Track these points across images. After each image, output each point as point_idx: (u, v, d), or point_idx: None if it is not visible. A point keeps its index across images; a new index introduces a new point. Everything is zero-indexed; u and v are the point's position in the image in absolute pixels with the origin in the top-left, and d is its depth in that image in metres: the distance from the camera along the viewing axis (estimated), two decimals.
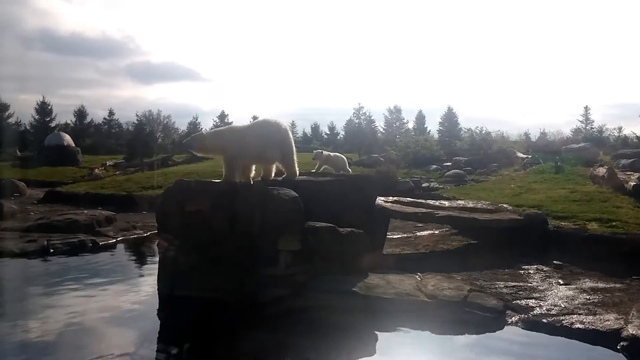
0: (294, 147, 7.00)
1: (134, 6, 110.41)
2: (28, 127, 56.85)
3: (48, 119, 56.99)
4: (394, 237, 10.01)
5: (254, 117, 71.08)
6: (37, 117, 56.71)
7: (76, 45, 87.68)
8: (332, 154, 11.41)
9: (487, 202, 10.53)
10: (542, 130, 46.43)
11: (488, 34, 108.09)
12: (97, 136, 57.80)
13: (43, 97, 57.02)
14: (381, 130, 62.63)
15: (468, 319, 5.22)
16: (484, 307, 5.36)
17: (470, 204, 10.12)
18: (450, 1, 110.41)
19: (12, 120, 54.17)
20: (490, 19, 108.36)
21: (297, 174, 7.13)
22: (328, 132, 72.73)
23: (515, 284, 6.47)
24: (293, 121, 76.79)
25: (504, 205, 9.97)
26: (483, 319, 5.21)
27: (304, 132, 75.28)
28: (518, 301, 5.79)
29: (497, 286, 6.33)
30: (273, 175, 7.03)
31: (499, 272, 7.07)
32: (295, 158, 7.03)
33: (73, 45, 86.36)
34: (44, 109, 56.89)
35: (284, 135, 6.82)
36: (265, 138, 6.58)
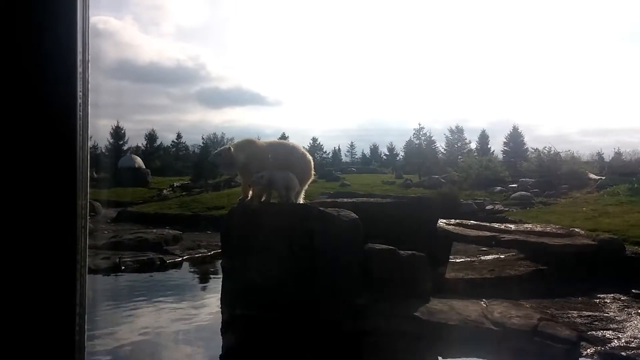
0: (305, 178, 6.44)
1: (206, 36, 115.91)
2: (103, 150, 60.38)
3: (121, 142, 60.25)
4: (457, 260, 9.74)
5: (313, 139, 72.47)
6: (111, 140, 60.12)
7: (151, 74, 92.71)
8: None
9: (557, 226, 10.06)
10: (616, 150, 43.94)
11: (554, 52, 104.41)
12: (165, 158, 60.45)
13: (117, 122, 60.47)
14: (442, 150, 61.52)
15: (538, 349, 4.97)
16: (556, 338, 5.08)
17: (539, 228, 9.70)
18: (514, 18, 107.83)
19: (89, 144, 57.72)
20: (556, 38, 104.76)
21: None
22: (387, 153, 72.50)
23: (590, 313, 6.10)
24: (352, 142, 77.42)
25: (576, 230, 9.49)
26: (555, 350, 4.94)
27: (362, 153, 75.56)
28: (593, 332, 5.45)
29: (570, 315, 6.00)
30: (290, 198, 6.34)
31: (571, 301, 6.70)
32: (302, 189, 6.45)
33: (149, 73, 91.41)
34: (118, 133, 60.24)
35: (299, 161, 6.41)
36: (283, 160, 6.24)
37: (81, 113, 0.95)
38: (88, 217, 0.99)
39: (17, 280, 0.92)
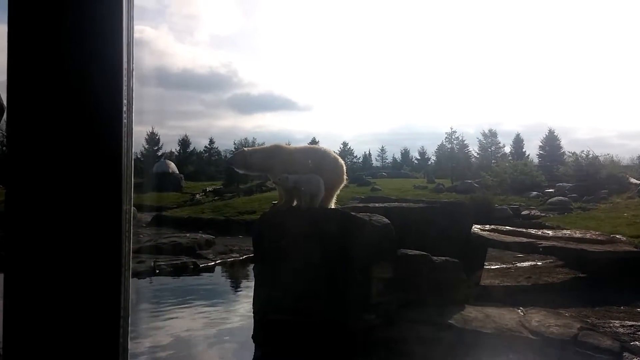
0: (337, 183, 6.42)
1: (239, 43, 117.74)
2: (139, 156, 61.70)
3: (156, 148, 61.47)
4: (492, 267, 9.55)
5: (344, 144, 72.44)
6: (146, 146, 61.42)
7: (185, 81, 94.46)
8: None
9: (596, 232, 9.76)
10: None
11: (591, 52, 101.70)
12: (198, 163, 61.47)
13: (152, 128, 61.73)
14: (475, 154, 60.58)
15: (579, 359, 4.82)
16: (598, 348, 4.91)
17: (578, 234, 9.42)
18: (549, 18, 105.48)
19: None
20: (592, 39, 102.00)
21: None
22: (418, 158, 71.90)
23: (634, 323, 5.86)
24: (383, 147, 77.11)
25: (617, 236, 9.18)
26: None
27: (393, 157, 75.15)
28: (637, 342, 5.24)
29: (611, 325, 5.79)
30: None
31: (613, 309, 6.47)
32: (334, 194, 6.45)
33: (182, 80, 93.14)
34: (152, 139, 61.52)
35: (331, 165, 6.37)
36: (315, 165, 6.21)
37: (126, 120, 0.97)
38: (132, 222, 1.01)
39: (66, 284, 0.95)
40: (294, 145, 7.06)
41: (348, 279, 5.87)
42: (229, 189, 29.63)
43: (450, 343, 5.22)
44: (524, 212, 18.20)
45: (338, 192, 6.58)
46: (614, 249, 8.19)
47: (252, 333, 5.98)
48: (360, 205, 8.64)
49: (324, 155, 6.53)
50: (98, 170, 0.95)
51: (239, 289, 9.17)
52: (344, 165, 6.54)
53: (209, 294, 8.36)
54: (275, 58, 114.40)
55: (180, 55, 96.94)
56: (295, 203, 6.37)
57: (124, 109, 0.96)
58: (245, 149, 6.75)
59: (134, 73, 0.99)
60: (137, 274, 9.27)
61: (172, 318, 6.69)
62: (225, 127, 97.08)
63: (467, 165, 47.31)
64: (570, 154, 31.66)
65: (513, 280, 8.50)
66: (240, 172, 6.90)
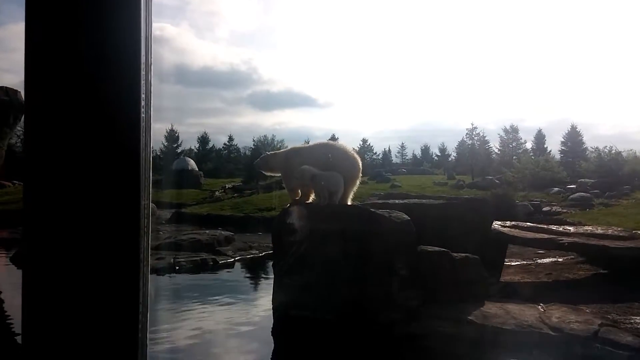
0: (350, 179, 6.39)
1: (259, 40, 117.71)
2: (158, 153, 62.32)
3: (175, 145, 61.99)
4: (512, 263, 9.46)
5: (364, 140, 72.20)
6: (166, 143, 61.98)
7: (205, 78, 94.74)
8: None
9: (619, 229, 9.59)
10: None
11: (613, 47, 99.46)
12: (217, 160, 61.87)
13: (171, 126, 62.26)
14: (496, 151, 59.86)
15: (599, 355, 4.75)
16: (618, 344, 4.83)
17: (600, 230, 9.27)
18: (572, 11, 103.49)
19: None
20: (615, 33, 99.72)
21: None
22: (439, 154, 71.30)
23: None
24: (402, 143, 76.66)
25: (639, 232, 9.00)
26: (617, 356, 4.71)
27: (413, 153, 74.66)
28: None
29: (633, 321, 5.69)
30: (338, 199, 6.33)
31: (634, 306, 6.36)
32: (350, 189, 6.44)
33: (203, 78, 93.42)
34: (172, 136, 62.09)
35: (346, 162, 6.38)
36: (321, 160, 6.25)
37: (144, 115, 0.98)
38: (150, 218, 1.02)
39: (84, 280, 0.96)
40: (311, 142, 7.20)
41: (368, 275, 5.87)
42: (248, 185, 29.73)
43: (470, 339, 5.19)
44: (545, 208, 17.97)
45: (355, 188, 6.57)
46: (636, 245, 8.03)
47: (271, 329, 6.03)
48: (380, 201, 8.61)
49: (337, 150, 6.53)
50: (116, 164, 0.96)
51: (258, 286, 9.23)
52: (358, 160, 6.51)
53: (228, 291, 8.43)
54: (295, 55, 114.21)
55: (200, 53, 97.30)
56: (312, 199, 6.40)
57: (142, 103, 0.97)
58: (266, 153, 7.16)
59: (152, 67, 0.99)
60: (157, 271, 9.39)
61: (191, 314, 6.77)
62: (245, 124, 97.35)
63: (487, 161, 46.83)
64: (593, 150, 31.19)
65: (533, 277, 8.41)
66: (267, 174, 7.31)
